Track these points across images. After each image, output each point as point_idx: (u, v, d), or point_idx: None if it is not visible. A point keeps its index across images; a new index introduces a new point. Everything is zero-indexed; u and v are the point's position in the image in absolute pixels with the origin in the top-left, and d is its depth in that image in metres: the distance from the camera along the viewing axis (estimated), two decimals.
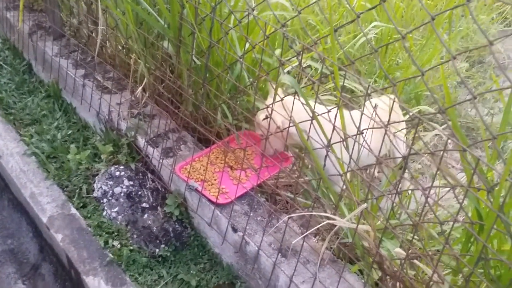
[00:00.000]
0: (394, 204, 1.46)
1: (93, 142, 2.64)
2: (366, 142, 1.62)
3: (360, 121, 1.55)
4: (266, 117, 1.79)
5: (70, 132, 2.77)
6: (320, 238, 1.87)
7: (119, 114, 2.48)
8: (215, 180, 2.15)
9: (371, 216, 1.54)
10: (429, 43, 3.47)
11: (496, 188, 1.25)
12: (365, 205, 1.45)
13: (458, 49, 3.78)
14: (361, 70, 3.33)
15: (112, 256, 2.12)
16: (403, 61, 3.49)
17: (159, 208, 2.29)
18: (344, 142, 1.61)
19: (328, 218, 1.64)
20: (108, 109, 2.54)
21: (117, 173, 2.37)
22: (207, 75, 2.03)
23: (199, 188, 2.09)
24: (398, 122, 1.67)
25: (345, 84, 2.20)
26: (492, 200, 1.27)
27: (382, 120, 1.58)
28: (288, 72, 2.45)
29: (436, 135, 2.75)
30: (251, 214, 2.04)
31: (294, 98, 1.68)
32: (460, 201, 1.35)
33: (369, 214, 1.53)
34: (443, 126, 2.51)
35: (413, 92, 3.12)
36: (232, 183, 2.14)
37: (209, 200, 2.08)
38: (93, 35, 2.83)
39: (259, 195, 2.13)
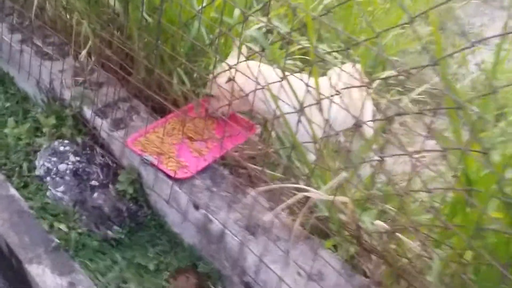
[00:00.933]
0: (376, 173, 1.30)
1: (34, 115, 2.36)
2: (340, 106, 1.45)
3: (331, 84, 1.38)
4: (229, 79, 1.58)
5: (8, 104, 2.47)
6: (291, 212, 1.70)
7: (62, 83, 2.21)
8: (172, 153, 1.94)
9: (349, 186, 1.38)
10: (393, 6, 3.33)
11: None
12: (344, 174, 1.29)
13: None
14: (323, 35, 3.16)
15: (58, 241, 1.88)
16: (366, 26, 3.34)
17: (110, 185, 2.06)
18: (318, 105, 1.43)
19: (301, 190, 1.47)
20: (49, 77, 2.27)
21: (61, 148, 2.11)
22: (161, 35, 1.80)
23: (155, 162, 1.87)
24: (365, 86, 1.50)
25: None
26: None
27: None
28: None
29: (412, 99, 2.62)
30: (214, 189, 1.84)
31: (260, 59, 1.48)
32: (449, 166, 1.20)
33: (347, 185, 1.37)
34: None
35: (379, 58, 2.98)
36: (192, 156, 1.93)
37: (167, 175, 1.86)
38: None
39: (222, 168, 1.94)
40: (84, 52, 1.95)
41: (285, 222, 1.69)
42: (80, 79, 2.22)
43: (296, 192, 1.53)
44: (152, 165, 1.88)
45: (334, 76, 1.40)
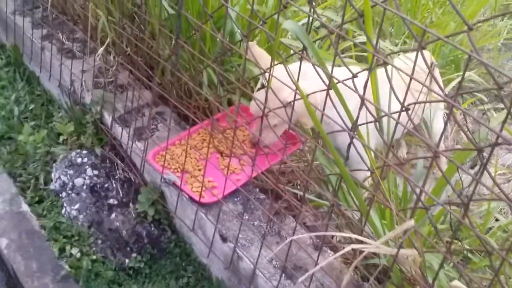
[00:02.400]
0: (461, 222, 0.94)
1: (56, 119, 2.14)
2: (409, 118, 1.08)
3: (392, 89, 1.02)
4: (262, 86, 1.25)
5: (32, 107, 2.26)
6: (335, 249, 1.35)
7: (82, 85, 1.96)
8: (199, 170, 1.64)
9: (419, 236, 1.02)
10: None
11: None
12: (411, 223, 0.93)
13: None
14: (388, 30, 2.75)
15: (68, 269, 1.64)
16: (437, 19, 2.89)
17: (130, 205, 1.79)
18: (377, 123, 1.08)
19: (353, 240, 1.12)
20: (70, 78, 2.02)
21: (79, 160, 1.86)
22: (183, 29, 1.48)
23: (178, 182, 1.58)
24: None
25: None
26: None
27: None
28: None
29: None
30: (246, 217, 1.53)
31: (301, 61, 1.13)
32: None
33: (416, 234, 1.01)
34: None
35: (451, 55, 2.55)
36: (221, 175, 1.62)
37: (191, 198, 1.57)
38: None
39: (258, 190, 1.62)
40: (101, 50, 1.68)
41: (332, 265, 1.35)
42: (102, 80, 1.95)
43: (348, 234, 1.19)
44: (175, 185, 1.59)
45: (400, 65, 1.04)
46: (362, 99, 1.02)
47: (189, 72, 1.69)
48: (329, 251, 1.43)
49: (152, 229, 1.73)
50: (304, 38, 1.01)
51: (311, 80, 1.20)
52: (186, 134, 1.74)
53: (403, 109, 0.98)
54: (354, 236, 1.02)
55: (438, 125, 1.86)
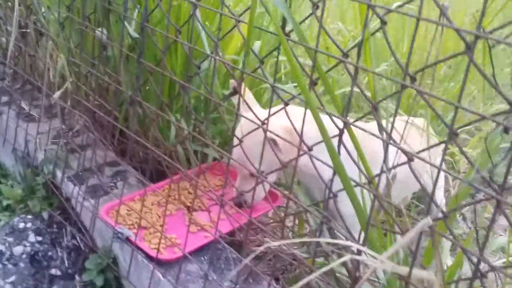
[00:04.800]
0: None
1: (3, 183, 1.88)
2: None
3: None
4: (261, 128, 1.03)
5: None
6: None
7: (36, 145, 1.74)
8: (161, 227, 1.37)
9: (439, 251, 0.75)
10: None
11: None
12: (428, 220, 0.68)
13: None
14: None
15: None
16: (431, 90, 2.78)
17: (76, 276, 1.47)
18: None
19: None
20: (24, 140, 1.81)
21: (21, 225, 1.58)
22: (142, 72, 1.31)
23: (132, 237, 1.30)
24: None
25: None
26: None
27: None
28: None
29: None
30: (215, 277, 1.23)
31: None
32: None
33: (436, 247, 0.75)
34: None
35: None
36: (188, 231, 1.34)
37: (149, 256, 1.28)
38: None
39: (230, 248, 1.34)
40: (58, 93, 1.49)
41: None
42: (60, 141, 1.74)
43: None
44: (129, 240, 1.30)
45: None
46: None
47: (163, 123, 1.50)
48: None
49: None
50: (284, 8, 0.84)
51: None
52: (152, 188, 1.50)
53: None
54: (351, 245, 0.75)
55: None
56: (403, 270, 0.73)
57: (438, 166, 0.76)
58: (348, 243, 0.71)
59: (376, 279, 1.00)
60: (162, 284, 1.23)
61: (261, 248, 0.73)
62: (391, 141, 0.82)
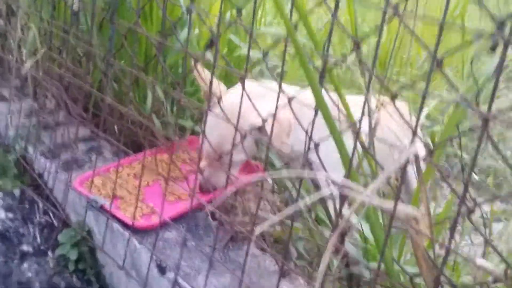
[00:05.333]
0: None
1: None
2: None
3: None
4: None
5: None
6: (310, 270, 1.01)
7: (8, 122, 1.68)
8: (138, 196, 1.31)
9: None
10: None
11: None
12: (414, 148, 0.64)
13: None
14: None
15: None
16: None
17: (49, 253, 1.41)
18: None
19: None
20: None
21: None
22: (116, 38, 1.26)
23: (106, 205, 1.24)
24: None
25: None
26: None
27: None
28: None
29: None
30: (193, 243, 1.18)
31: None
32: None
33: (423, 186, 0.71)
34: None
35: None
36: (166, 201, 1.29)
37: (124, 224, 1.22)
38: None
39: (210, 216, 1.29)
40: (30, 62, 1.43)
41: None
42: (32, 118, 1.68)
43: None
44: (103, 209, 1.25)
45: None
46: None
47: (137, 94, 1.45)
48: (300, 279, 1.09)
49: (74, 280, 1.34)
50: None
51: (273, 102, 0.95)
52: (127, 161, 1.45)
53: None
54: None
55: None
56: (388, 204, 0.70)
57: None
58: (332, 176, 0.68)
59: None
60: (139, 252, 1.18)
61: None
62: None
